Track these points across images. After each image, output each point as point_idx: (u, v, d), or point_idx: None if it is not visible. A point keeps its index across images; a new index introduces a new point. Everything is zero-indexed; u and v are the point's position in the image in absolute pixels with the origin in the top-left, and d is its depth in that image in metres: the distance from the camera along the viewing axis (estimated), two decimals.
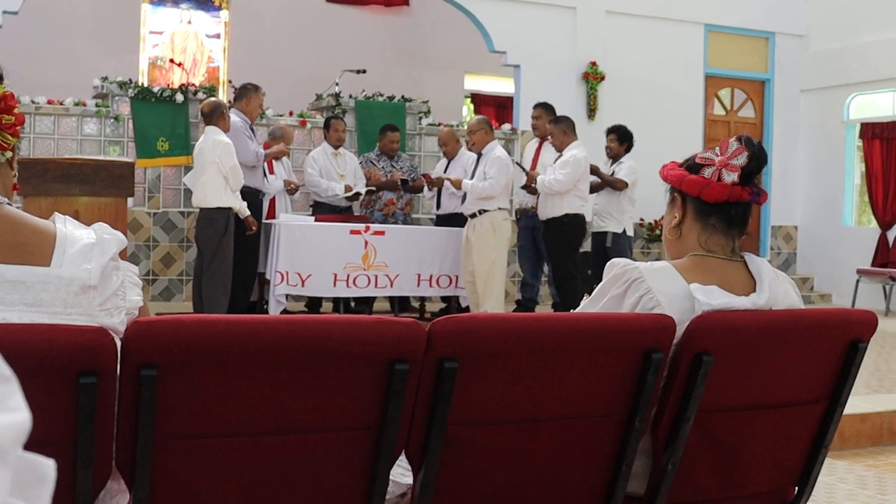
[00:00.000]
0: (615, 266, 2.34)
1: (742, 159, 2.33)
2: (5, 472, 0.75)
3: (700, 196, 2.37)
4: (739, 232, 2.41)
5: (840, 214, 13.19)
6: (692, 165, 2.42)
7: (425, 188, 9.66)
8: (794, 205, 13.62)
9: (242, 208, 8.14)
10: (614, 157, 9.64)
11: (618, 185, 9.36)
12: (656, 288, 2.26)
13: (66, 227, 1.85)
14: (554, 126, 9.00)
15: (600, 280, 2.39)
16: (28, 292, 1.73)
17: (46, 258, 1.77)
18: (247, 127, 8.66)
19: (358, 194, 9.45)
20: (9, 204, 1.85)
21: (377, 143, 10.11)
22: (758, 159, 2.35)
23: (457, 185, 8.71)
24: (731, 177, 2.33)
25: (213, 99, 8.76)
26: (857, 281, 12.07)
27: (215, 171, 7.87)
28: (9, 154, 1.85)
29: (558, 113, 9.48)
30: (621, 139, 9.64)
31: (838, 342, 2.36)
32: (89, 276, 1.78)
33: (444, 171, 9.49)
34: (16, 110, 1.82)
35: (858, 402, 5.70)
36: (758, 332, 2.22)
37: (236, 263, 8.16)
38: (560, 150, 8.89)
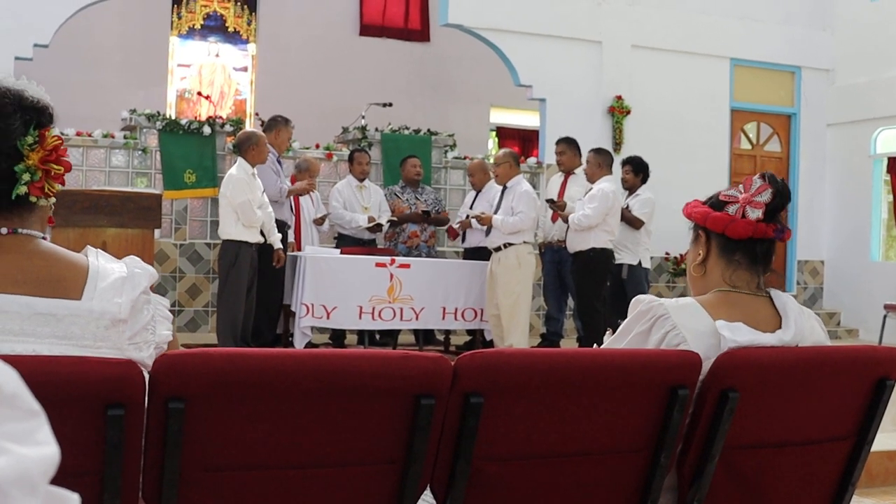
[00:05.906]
0: (640, 303, 2.34)
1: (766, 196, 2.34)
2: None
3: (724, 233, 2.37)
4: (764, 268, 2.41)
5: (867, 249, 13.10)
6: (716, 203, 2.42)
7: (450, 223, 9.68)
8: (821, 239, 13.53)
9: (274, 240, 8.20)
10: (630, 188, 9.65)
11: (635, 225, 9.36)
12: (682, 324, 2.26)
13: (98, 261, 1.87)
14: (593, 155, 8.96)
15: (617, 312, 2.39)
16: (59, 325, 1.75)
17: (78, 292, 1.79)
18: (274, 160, 8.59)
19: (380, 225, 9.46)
20: (43, 237, 1.88)
21: (400, 175, 10.16)
22: (782, 196, 2.36)
23: (486, 221, 8.68)
24: (755, 213, 2.33)
25: (245, 130, 8.78)
26: (885, 316, 11.95)
27: (226, 205, 7.94)
28: (53, 200, 1.88)
29: (582, 147, 9.48)
30: (636, 170, 9.64)
31: (866, 379, 2.35)
32: (119, 310, 1.80)
33: (472, 205, 9.49)
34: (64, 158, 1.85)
35: (886, 440, 5.63)
36: (784, 369, 2.21)
37: (262, 295, 8.18)
38: (591, 180, 8.89)
